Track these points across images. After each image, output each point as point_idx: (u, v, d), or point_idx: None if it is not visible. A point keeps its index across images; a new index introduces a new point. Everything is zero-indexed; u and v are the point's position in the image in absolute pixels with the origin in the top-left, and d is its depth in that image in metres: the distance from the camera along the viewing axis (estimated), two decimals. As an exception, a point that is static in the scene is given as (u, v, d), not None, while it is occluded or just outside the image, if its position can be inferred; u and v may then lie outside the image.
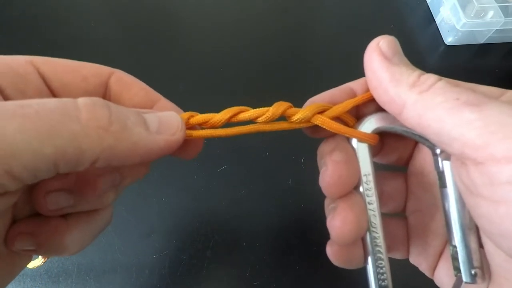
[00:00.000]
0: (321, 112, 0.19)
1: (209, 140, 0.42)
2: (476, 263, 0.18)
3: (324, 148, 0.20)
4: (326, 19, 0.54)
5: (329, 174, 0.18)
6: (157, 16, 0.53)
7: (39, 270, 0.36)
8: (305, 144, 0.41)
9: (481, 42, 0.51)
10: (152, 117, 0.16)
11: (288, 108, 0.19)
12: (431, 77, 0.16)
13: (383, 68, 0.17)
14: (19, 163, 0.12)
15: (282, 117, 0.19)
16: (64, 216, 0.18)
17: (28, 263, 0.18)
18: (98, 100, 0.15)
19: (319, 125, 0.19)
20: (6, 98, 0.16)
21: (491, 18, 0.47)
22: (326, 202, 0.20)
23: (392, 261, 0.20)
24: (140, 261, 0.36)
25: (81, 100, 0.14)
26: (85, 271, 0.36)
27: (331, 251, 0.19)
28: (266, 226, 0.38)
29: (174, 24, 0.52)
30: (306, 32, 0.52)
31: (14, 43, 0.49)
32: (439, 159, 0.19)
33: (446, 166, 0.19)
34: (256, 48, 0.50)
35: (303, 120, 0.19)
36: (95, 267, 0.36)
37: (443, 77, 0.16)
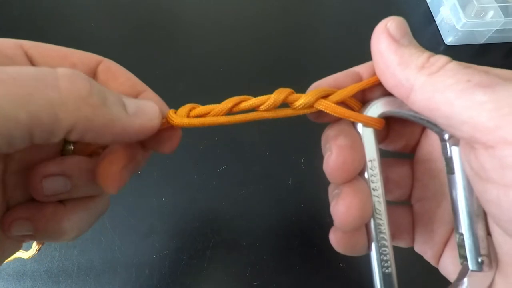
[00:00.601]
0: (325, 97, 0.19)
1: (209, 140, 0.42)
2: (483, 251, 0.18)
3: (328, 133, 0.19)
4: (326, 19, 0.54)
5: (333, 158, 0.18)
6: (157, 16, 0.53)
7: (39, 270, 0.36)
8: (305, 144, 0.41)
9: (481, 42, 0.51)
10: (131, 101, 0.17)
11: (290, 94, 0.19)
12: (441, 59, 0.16)
13: (391, 50, 0.17)
14: None
15: (286, 105, 0.19)
16: (62, 202, 0.18)
17: (18, 250, 0.18)
18: (80, 72, 0.15)
19: (323, 110, 0.19)
20: None
21: (491, 18, 0.47)
22: (330, 188, 0.20)
23: (396, 249, 0.19)
24: (140, 261, 0.36)
25: (61, 70, 0.14)
26: (85, 271, 0.36)
27: (335, 238, 0.19)
28: (266, 226, 0.38)
29: (174, 24, 0.52)
30: (306, 32, 0.52)
31: (14, 43, 0.49)
32: (447, 144, 0.18)
33: (454, 151, 0.18)
34: (257, 47, 0.50)
35: (306, 106, 0.18)
36: (95, 267, 0.36)
37: (453, 59, 0.16)
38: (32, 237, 0.17)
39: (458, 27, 0.47)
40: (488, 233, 0.18)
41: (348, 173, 0.18)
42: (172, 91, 0.44)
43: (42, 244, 0.25)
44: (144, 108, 0.17)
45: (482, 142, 0.14)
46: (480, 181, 0.16)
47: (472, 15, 0.46)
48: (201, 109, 0.19)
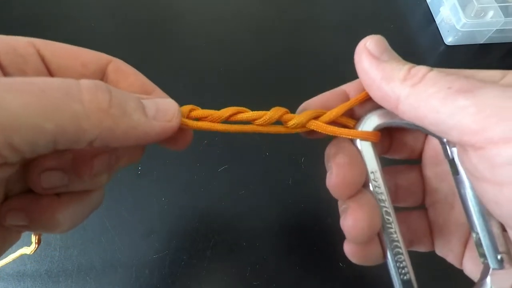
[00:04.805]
0: (316, 118, 0.20)
1: (209, 140, 0.42)
2: (501, 248, 0.18)
3: (329, 152, 0.20)
4: (326, 19, 0.54)
5: (333, 177, 0.19)
6: (157, 16, 0.53)
7: (39, 270, 0.36)
8: (305, 144, 0.41)
9: (481, 42, 0.51)
10: (150, 103, 0.17)
11: (284, 114, 0.20)
12: (421, 69, 0.16)
13: (373, 66, 0.17)
14: (20, 136, 0.12)
15: (279, 122, 0.20)
16: (57, 194, 0.18)
17: (17, 240, 0.19)
18: (100, 83, 0.15)
19: (315, 129, 0.20)
20: (7, 76, 0.17)
21: (491, 18, 0.47)
22: (339, 203, 0.21)
23: (419, 253, 0.20)
24: (140, 261, 0.36)
25: (84, 82, 0.15)
26: (85, 271, 0.36)
27: (349, 250, 0.20)
28: (266, 226, 0.38)
29: (174, 24, 0.52)
30: (306, 32, 0.52)
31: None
32: (447, 147, 0.19)
33: (455, 153, 0.18)
34: (257, 47, 0.50)
35: (298, 126, 0.20)
36: (95, 267, 0.36)
37: (434, 68, 0.17)
38: (27, 228, 0.18)
39: (458, 27, 0.47)
40: (504, 230, 0.18)
41: (350, 189, 0.19)
42: (172, 91, 0.44)
43: (40, 235, 0.25)
44: (163, 109, 0.17)
45: (471, 145, 0.15)
46: (476, 181, 0.16)
47: (472, 15, 0.46)
48: (200, 112, 0.19)
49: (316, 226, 0.38)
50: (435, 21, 0.53)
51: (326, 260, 0.37)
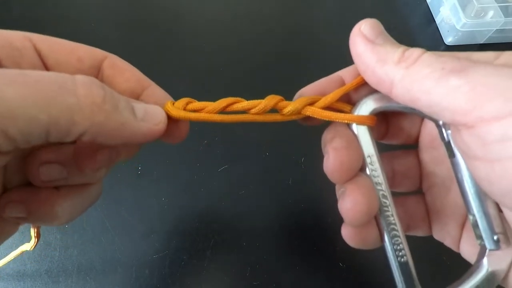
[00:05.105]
0: (311, 104, 0.20)
1: (209, 140, 0.42)
2: (497, 228, 0.18)
3: (325, 137, 0.20)
4: (326, 19, 0.54)
5: (330, 161, 0.19)
6: (157, 17, 0.53)
7: (39, 270, 0.36)
8: (305, 144, 0.41)
9: (481, 42, 0.51)
10: (139, 106, 0.17)
11: (279, 101, 0.20)
12: (416, 51, 0.16)
13: (368, 50, 0.17)
14: (14, 126, 0.13)
15: (275, 110, 0.20)
16: (56, 187, 0.18)
17: (14, 232, 0.19)
18: (95, 79, 0.15)
19: (311, 115, 0.20)
20: None
21: (491, 18, 0.47)
22: (336, 187, 0.21)
23: (417, 238, 0.20)
24: (140, 261, 0.36)
25: (79, 77, 0.15)
26: (85, 271, 0.36)
27: (347, 233, 0.20)
28: (266, 226, 0.38)
29: (174, 25, 0.52)
30: (306, 32, 0.52)
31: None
32: (443, 129, 0.19)
33: (451, 135, 0.19)
34: (257, 47, 0.50)
35: (293, 112, 0.20)
36: (95, 267, 0.36)
37: (428, 51, 0.17)
38: (26, 220, 0.18)
39: (458, 27, 0.47)
40: (500, 210, 0.18)
41: (347, 173, 0.19)
42: (172, 91, 0.44)
43: (39, 228, 0.25)
44: (151, 113, 0.18)
45: (463, 124, 0.15)
46: (469, 160, 0.16)
47: (472, 15, 0.46)
48: (196, 104, 0.20)
49: (316, 226, 0.38)
50: (435, 21, 0.53)
51: (326, 260, 0.37)
